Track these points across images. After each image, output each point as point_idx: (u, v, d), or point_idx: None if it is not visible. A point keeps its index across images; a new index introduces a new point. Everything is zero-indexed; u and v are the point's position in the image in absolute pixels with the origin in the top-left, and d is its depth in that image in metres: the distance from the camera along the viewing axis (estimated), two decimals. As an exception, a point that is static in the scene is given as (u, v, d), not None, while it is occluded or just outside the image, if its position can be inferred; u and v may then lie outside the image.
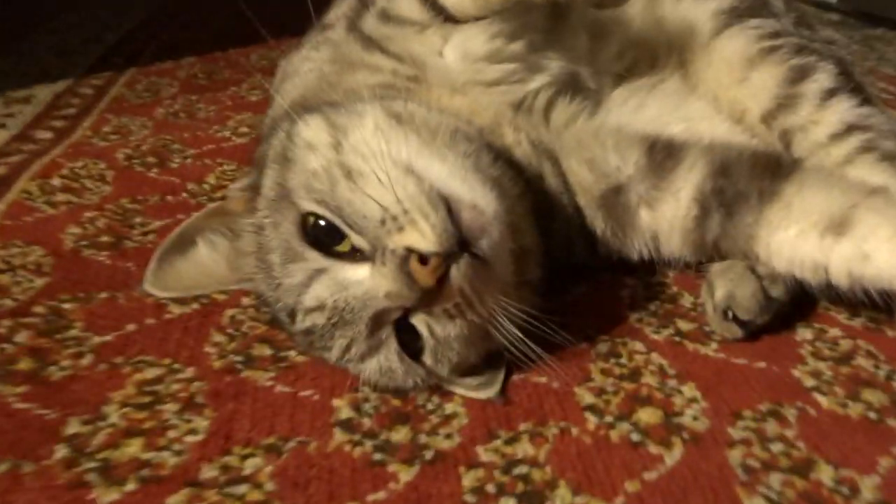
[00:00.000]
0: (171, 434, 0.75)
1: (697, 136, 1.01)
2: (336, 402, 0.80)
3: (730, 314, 0.88)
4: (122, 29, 2.29)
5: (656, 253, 0.97)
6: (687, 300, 0.99)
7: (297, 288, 0.75)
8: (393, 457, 0.73)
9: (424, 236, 0.69)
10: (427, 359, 0.77)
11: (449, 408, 0.80)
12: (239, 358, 0.87)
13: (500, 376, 0.83)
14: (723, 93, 1.18)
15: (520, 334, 0.77)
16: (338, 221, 0.73)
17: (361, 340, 0.74)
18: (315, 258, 0.74)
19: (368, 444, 0.75)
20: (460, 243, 0.71)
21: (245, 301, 0.97)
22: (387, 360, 0.76)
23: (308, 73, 0.98)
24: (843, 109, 1.10)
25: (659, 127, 1.05)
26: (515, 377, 0.84)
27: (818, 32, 1.33)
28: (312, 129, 0.81)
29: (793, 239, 0.86)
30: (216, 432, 0.76)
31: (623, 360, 0.88)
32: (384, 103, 0.84)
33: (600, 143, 0.97)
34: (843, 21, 2.33)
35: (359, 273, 0.73)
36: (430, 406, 0.80)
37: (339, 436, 0.76)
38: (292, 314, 0.77)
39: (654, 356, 0.89)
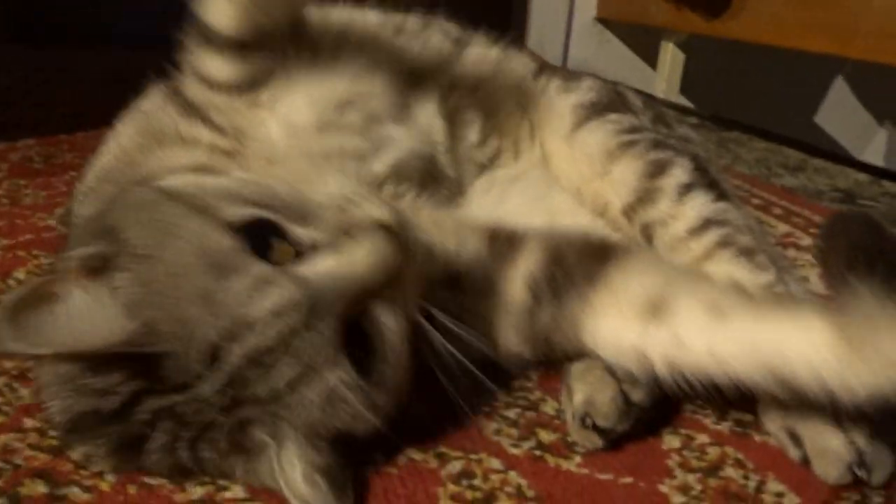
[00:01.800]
0: None
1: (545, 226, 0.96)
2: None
3: (588, 421, 0.80)
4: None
5: (492, 349, 0.88)
6: (550, 406, 0.90)
7: (243, 297, 0.60)
8: None
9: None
10: (381, 364, 0.66)
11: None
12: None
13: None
14: (585, 186, 1.16)
15: (449, 346, 0.69)
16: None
17: (324, 348, 0.61)
18: (258, 267, 0.61)
19: None
20: None
21: (28, 424, 0.79)
22: (342, 376, 0.62)
23: (108, 154, 0.85)
24: (700, 204, 1.09)
25: (518, 219, 0.99)
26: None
27: (675, 130, 1.35)
28: None
29: (617, 326, 0.80)
30: None
31: (477, 482, 0.77)
32: None
33: (440, 228, 0.90)
34: (700, 124, 2.48)
35: (316, 266, 0.63)
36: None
37: None
38: (221, 344, 0.59)
39: (513, 475, 0.78)
